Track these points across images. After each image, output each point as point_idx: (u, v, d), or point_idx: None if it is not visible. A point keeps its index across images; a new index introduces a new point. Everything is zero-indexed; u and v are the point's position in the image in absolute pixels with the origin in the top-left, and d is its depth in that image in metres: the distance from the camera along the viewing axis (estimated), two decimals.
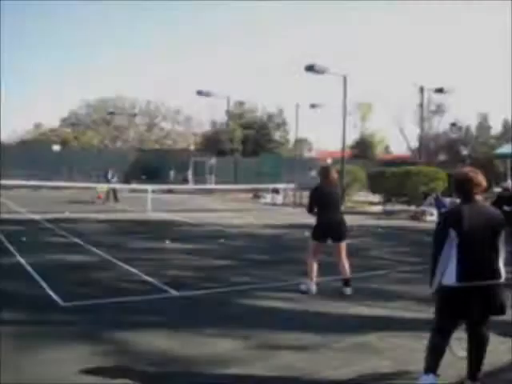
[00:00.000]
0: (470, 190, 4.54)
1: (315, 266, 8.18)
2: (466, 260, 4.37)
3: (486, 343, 4.64)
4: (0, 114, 73.09)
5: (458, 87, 62.78)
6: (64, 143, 53.03)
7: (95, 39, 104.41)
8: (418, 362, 5.19)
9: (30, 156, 40.37)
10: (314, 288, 8.10)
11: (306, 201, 27.89)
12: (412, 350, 5.56)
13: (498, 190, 26.15)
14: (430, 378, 4.43)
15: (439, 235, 4.52)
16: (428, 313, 7.04)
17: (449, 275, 4.43)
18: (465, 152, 56.61)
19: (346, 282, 8.14)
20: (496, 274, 4.43)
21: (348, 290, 8.06)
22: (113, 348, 5.41)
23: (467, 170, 4.76)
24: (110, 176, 27.32)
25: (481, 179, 4.57)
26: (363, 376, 4.85)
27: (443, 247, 4.45)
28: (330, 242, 8.32)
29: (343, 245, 8.27)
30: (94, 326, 6.12)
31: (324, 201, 8.25)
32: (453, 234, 4.38)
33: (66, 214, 19.33)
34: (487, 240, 4.42)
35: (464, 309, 4.46)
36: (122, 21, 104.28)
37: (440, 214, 4.60)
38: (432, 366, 4.49)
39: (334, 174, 8.55)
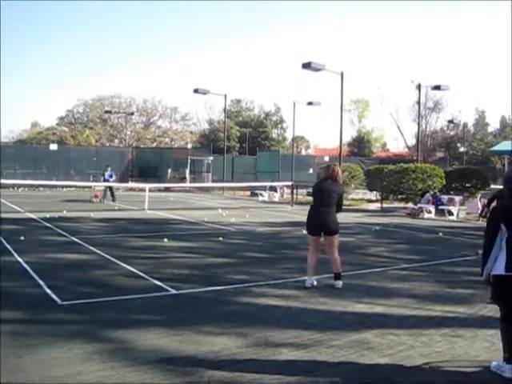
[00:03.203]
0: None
1: (312, 261, 8.43)
2: None
3: None
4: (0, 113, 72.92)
5: (456, 85, 62.95)
6: (61, 142, 52.95)
7: (92, 38, 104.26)
8: (415, 358, 5.22)
9: (27, 155, 40.35)
10: (309, 282, 8.35)
11: (303, 198, 27.90)
12: (410, 347, 5.58)
13: (494, 186, 26.24)
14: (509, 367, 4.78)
15: (491, 228, 4.86)
16: (426, 310, 7.10)
17: (498, 266, 4.77)
18: (462, 149, 56.61)
19: (337, 276, 8.41)
20: None
21: (339, 284, 8.34)
22: (111, 346, 5.41)
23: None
24: (108, 174, 27.25)
25: None
26: (362, 373, 4.86)
27: (495, 240, 4.78)
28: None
29: (333, 239, 8.44)
30: (92, 325, 6.11)
31: (318, 196, 8.54)
32: (503, 227, 4.75)
33: (64, 213, 19.31)
34: None
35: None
36: (119, 18, 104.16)
37: (492, 209, 4.87)
38: (509, 353, 4.81)
39: (339, 173, 8.71)
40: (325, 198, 8.39)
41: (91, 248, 11.54)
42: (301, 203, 27.72)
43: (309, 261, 8.45)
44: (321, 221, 8.35)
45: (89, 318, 6.39)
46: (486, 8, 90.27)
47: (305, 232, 9.21)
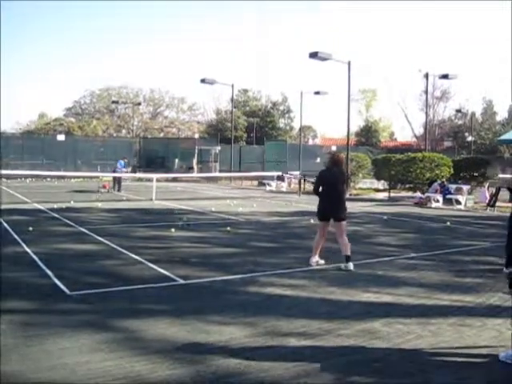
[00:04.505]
0: None
1: (319, 243, 9.08)
2: None
3: None
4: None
5: (464, 73, 62.55)
6: (68, 133, 53.04)
7: (99, 29, 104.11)
8: (424, 348, 5.21)
9: (35, 146, 40.46)
10: (314, 260, 9.01)
11: (310, 188, 27.85)
12: (419, 336, 5.57)
13: (503, 175, 26.13)
14: None
15: None
16: (434, 299, 7.08)
17: None
18: (470, 138, 56.31)
19: (347, 258, 8.82)
20: None
21: (350, 265, 8.77)
22: (120, 336, 5.42)
23: None
24: (122, 165, 27.32)
25: None
26: (371, 362, 4.86)
27: None
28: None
29: (342, 225, 8.99)
30: (100, 315, 6.13)
31: (329, 184, 9.02)
32: None
33: (72, 204, 19.37)
34: None
35: None
36: (126, 9, 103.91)
37: None
38: None
39: (343, 161, 9.55)
40: (335, 185, 8.98)
41: (99, 238, 11.57)
42: (308, 193, 27.68)
43: (315, 242, 9.06)
44: (333, 207, 8.96)
45: (97, 308, 6.42)
46: None
47: (313, 221, 9.28)
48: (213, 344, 5.24)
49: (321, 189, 9.08)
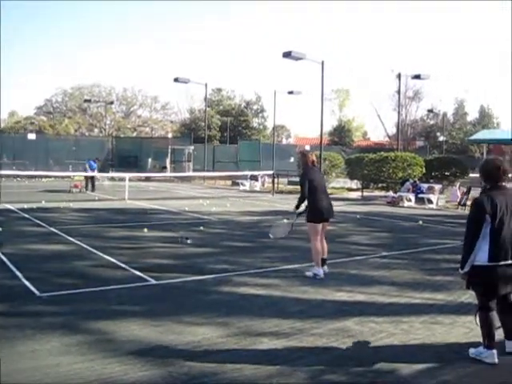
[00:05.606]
0: (500, 177, 4.91)
1: (321, 250, 8.45)
2: (497, 242, 4.79)
3: None
4: None
5: (436, 74, 63.32)
6: (39, 132, 52.34)
7: (71, 28, 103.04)
8: (396, 346, 5.25)
9: (5, 145, 39.75)
10: (322, 272, 8.33)
11: (284, 187, 27.77)
12: (391, 334, 5.61)
13: (473, 175, 26.47)
14: (492, 352, 4.85)
15: (477, 220, 4.82)
16: (406, 297, 7.14)
17: (481, 256, 4.80)
18: (441, 138, 57.02)
19: (325, 261, 8.57)
20: None
21: (326, 268, 8.50)
22: (91, 338, 5.36)
23: (493, 158, 5.17)
24: (93, 165, 27.05)
25: (507, 167, 4.97)
26: (343, 361, 4.87)
27: (481, 231, 4.77)
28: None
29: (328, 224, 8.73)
30: (71, 317, 6.05)
31: (319, 184, 8.58)
32: (488, 218, 4.77)
33: (43, 203, 19.11)
34: None
35: (494, 285, 4.86)
36: (99, 7, 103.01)
37: (476, 201, 4.86)
38: (489, 340, 4.88)
39: (315, 158, 8.89)
40: (323, 184, 8.75)
41: (70, 238, 11.43)
42: (282, 192, 27.75)
43: (316, 250, 8.38)
44: (330, 207, 8.61)
45: (68, 310, 6.33)
46: None
47: (286, 221, 9.20)
48: (185, 345, 5.21)
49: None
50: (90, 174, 26.78)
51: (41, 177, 35.81)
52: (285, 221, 9.60)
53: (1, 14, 71.84)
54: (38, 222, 14.17)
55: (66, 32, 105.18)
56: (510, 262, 4.84)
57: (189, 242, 11.04)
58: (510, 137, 33.39)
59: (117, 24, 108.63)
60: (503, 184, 4.94)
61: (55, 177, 34.89)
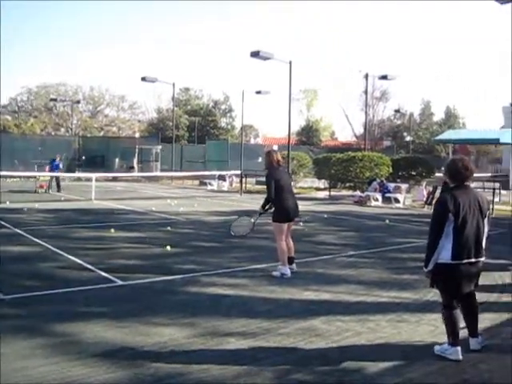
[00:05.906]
0: (465, 177, 4.97)
1: (286, 250, 8.44)
2: (460, 240, 4.85)
3: (478, 310, 5.29)
4: None
5: (402, 75, 64.08)
6: (4, 131, 51.40)
7: (37, 26, 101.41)
8: (362, 345, 5.29)
9: None
10: (288, 271, 8.34)
11: (252, 187, 27.67)
12: (357, 333, 5.65)
13: (439, 174, 26.87)
14: (457, 349, 4.92)
15: (440, 219, 4.88)
16: (372, 296, 7.20)
17: (444, 254, 4.86)
18: (408, 138, 57.72)
19: (293, 260, 8.63)
20: (482, 252, 5.03)
21: (295, 266, 8.59)
22: (55, 341, 5.28)
23: (460, 157, 5.19)
24: (57, 164, 26.62)
25: (472, 166, 5.03)
26: (310, 360, 4.89)
27: (444, 230, 4.83)
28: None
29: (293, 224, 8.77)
30: (35, 319, 5.96)
31: (285, 184, 8.54)
32: (451, 217, 4.82)
33: (7, 204, 18.77)
34: (477, 222, 4.92)
35: (458, 283, 4.96)
36: (64, 6, 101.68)
37: (439, 200, 4.92)
38: (454, 338, 4.96)
39: (280, 157, 8.80)
40: (289, 184, 8.74)
41: (35, 240, 11.26)
42: (250, 192, 27.75)
43: (282, 250, 8.38)
44: (295, 206, 8.65)
45: (32, 312, 6.24)
46: None
47: (253, 220, 9.18)
48: (152, 346, 5.17)
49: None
50: (55, 174, 26.39)
51: (5, 177, 35.18)
52: (246, 217, 9.56)
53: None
54: (3, 223, 13.91)
55: (29, 30, 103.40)
56: (473, 260, 4.92)
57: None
58: (475, 137, 34.00)
59: (83, 22, 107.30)
60: (467, 184, 5.02)
61: (20, 177, 34.34)
